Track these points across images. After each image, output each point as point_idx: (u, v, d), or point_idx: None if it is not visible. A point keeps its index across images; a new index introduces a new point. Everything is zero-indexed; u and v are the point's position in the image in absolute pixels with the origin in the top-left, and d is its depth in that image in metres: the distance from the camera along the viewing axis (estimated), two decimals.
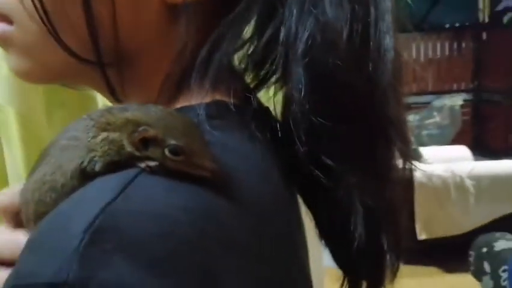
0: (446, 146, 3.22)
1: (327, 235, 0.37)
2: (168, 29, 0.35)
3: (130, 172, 0.28)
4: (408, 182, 0.37)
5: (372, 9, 0.34)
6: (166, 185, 0.27)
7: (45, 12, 0.33)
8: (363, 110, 0.34)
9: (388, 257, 0.36)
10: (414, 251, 0.39)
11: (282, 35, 0.34)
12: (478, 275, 1.46)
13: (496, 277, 1.39)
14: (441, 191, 2.41)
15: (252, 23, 0.36)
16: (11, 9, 0.35)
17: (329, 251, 0.38)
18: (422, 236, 2.30)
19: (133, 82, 0.37)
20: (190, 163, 0.28)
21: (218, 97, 0.34)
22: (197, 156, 0.28)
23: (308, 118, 0.33)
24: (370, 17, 0.34)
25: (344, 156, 0.33)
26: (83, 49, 0.34)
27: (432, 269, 2.34)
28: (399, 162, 0.36)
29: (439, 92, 4.14)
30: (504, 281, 1.36)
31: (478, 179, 2.44)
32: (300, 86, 0.32)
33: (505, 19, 4.93)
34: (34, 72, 0.38)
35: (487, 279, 1.42)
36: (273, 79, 0.37)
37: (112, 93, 0.37)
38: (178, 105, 0.35)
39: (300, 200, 0.38)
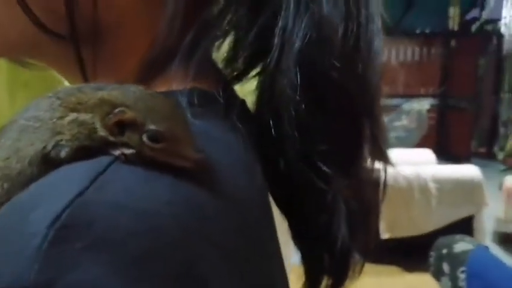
0: (412, 149, 3.30)
1: (303, 235, 0.36)
2: (152, 5, 0.33)
3: (103, 160, 0.24)
4: (383, 183, 0.37)
5: (363, 10, 0.33)
6: (144, 175, 0.24)
7: None
8: (356, 111, 0.33)
9: (354, 256, 0.36)
10: (375, 249, 0.38)
11: (278, 26, 0.32)
12: (437, 275, 1.51)
13: (454, 278, 1.43)
14: (405, 192, 2.46)
15: (242, 10, 0.34)
16: None
17: (298, 250, 0.37)
18: (385, 235, 2.35)
19: (106, 61, 0.34)
20: (172, 152, 0.25)
21: (199, 85, 0.32)
22: (180, 144, 0.25)
23: (301, 116, 0.31)
24: (361, 17, 0.33)
25: (334, 157, 0.32)
26: (52, 21, 0.31)
27: (392, 268, 2.39)
28: (374, 164, 0.36)
29: (408, 96, 4.23)
30: (462, 281, 1.40)
31: (440, 182, 2.51)
32: (296, 83, 0.31)
33: (473, 28, 5.09)
34: None
35: (445, 279, 1.46)
36: (253, 72, 0.35)
37: (83, 74, 0.33)
38: (157, 90, 0.31)
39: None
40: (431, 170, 2.59)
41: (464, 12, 5.07)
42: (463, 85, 4.82)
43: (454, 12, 4.96)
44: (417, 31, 4.85)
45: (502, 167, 4.33)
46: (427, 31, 4.93)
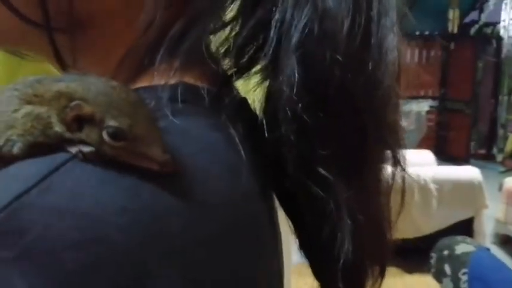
0: (411, 150, 3.31)
1: (308, 247, 0.33)
2: None
3: (57, 157, 0.22)
4: (402, 191, 0.34)
5: (375, 3, 0.30)
6: (101, 177, 0.22)
7: None
8: (361, 113, 0.30)
9: (370, 270, 0.33)
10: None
11: (275, 18, 0.29)
12: (439, 276, 1.50)
13: (455, 280, 1.43)
14: (406, 194, 2.46)
15: (238, 1, 0.32)
16: None
17: (308, 262, 0.34)
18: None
19: (88, 53, 0.32)
20: (134, 151, 0.23)
21: (187, 80, 0.29)
22: (144, 143, 0.23)
23: (300, 118, 0.28)
24: (373, 11, 0.30)
25: (336, 164, 0.29)
26: (30, 9, 0.30)
27: (392, 270, 2.39)
28: (388, 170, 0.33)
29: (407, 98, 4.24)
30: (464, 283, 1.40)
31: (441, 184, 2.51)
32: (293, 81, 0.28)
33: (472, 30, 5.11)
34: None
35: (447, 281, 1.46)
36: (254, 68, 0.32)
37: (60, 64, 0.32)
38: (138, 85, 0.29)
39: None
40: (431, 171, 2.59)
41: (463, 15, 5.08)
42: (462, 87, 4.83)
43: (453, 14, 4.97)
44: (417, 33, 4.86)
45: (501, 169, 4.34)
46: (426, 33, 4.94)
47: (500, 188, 2.97)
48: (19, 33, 0.31)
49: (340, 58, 0.28)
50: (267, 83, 0.31)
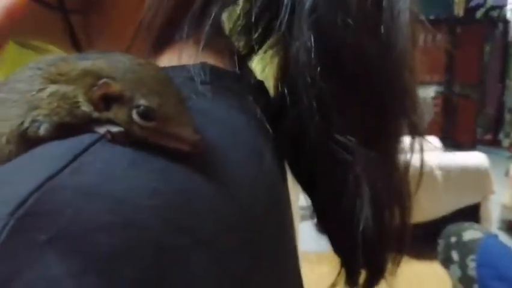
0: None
1: (328, 218, 0.33)
2: None
3: (85, 138, 0.21)
4: (420, 164, 0.34)
5: None
6: (131, 158, 0.21)
7: None
8: (375, 76, 0.29)
9: (391, 245, 0.33)
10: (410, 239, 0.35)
11: None
12: (446, 263, 1.49)
13: (463, 266, 1.41)
14: (411, 179, 2.45)
15: None
16: None
17: (327, 236, 0.33)
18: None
19: (103, 33, 0.31)
20: (164, 131, 0.22)
21: (208, 60, 0.28)
22: (173, 122, 0.22)
23: (319, 84, 0.28)
24: None
25: (354, 130, 0.29)
26: None
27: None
28: (407, 140, 0.32)
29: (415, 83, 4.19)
30: (472, 269, 1.39)
31: (447, 170, 2.49)
32: (309, 47, 0.28)
33: (478, 14, 5.03)
34: None
35: (455, 267, 1.44)
36: (265, 46, 0.32)
37: (76, 47, 0.31)
38: (162, 64, 0.28)
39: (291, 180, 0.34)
40: (437, 157, 2.57)
41: None
42: (468, 72, 4.78)
43: None
44: (422, 18, 4.79)
45: (508, 154, 4.30)
46: (432, 17, 4.87)
47: (507, 173, 2.95)
48: (34, 20, 0.30)
49: (351, 22, 0.28)
50: (277, 59, 0.30)
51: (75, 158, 0.20)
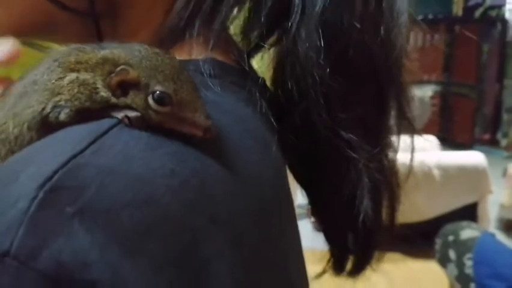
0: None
1: (326, 210, 0.35)
2: None
3: (104, 122, 0.22)
4: (410, 158, 0.36)
5: None
6: (148, 141, 0.22)
7: None
8: (378, 75, 0.31)
9: (378, 234, 0.34)
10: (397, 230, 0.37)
11: None
12: (443, 262, 1.49)
13: (460, 265, 1.42)
14: (408, 178, 2.45)
15: None
16: None
17: (323, 228, 0.35)
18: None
19: (124, 34, 0.32)
20: (178, 116, 0.23)
21: (215, 55, 0.30)
22: (187, 108, 0.23)
23: (327, 82, 0.29)
24: None
25: (357, 126, 0.30)
26: None
27: (395, 255, 2.39)
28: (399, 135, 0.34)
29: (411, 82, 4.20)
30: (468, 268, 1.39)
31: (444, 169, 2.49)
32: (319, 46, 0.29)
33: (477, 13, 5.03)
34: (3, 22, 0.32)
35: (452, 266, 1.45)
36: (266, 44, 0.33)
37: None
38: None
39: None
40: (435, 156, 2.57)
41: None
42: (466, 71, 4.78)
43: None
44: (420, 17, 4.79)
45: (505, 154, 4.31)
46: (430, 17, 4.87)
47: (505, 173, 2.96)
48: (51, 23, 0.31)
49: (357, 23, 0.30)
50: (277, 57, 0.32)
51: (96, 139, 0.21)
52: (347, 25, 0.30)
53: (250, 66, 0.32)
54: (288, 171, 0.34)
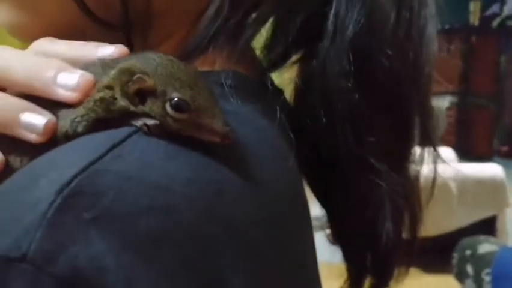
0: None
1: (345, 228, 0.35)
2: None
3: (123, 130, 0.23)
4: (432, 179, 0.37)
5: None
6: (166, 149, 0.22)
7: None
8: (406, 101, 0.32)
9: (398, 255, 0.34)
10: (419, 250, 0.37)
11: (331, 12, 0.31)
12: (461, 277, 1.46)
13: (478, 280, 1.38)
14: (424, 191, 2.41)
15: None
16: None
17: (340, 245, 0.35)
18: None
19: (151, 45, 0.32)
20: (196, 123, 0.23)
21: (235, 67, 0.30)
22: (205, 114, 0.23)
23: (355, 106, 0.30)
24: (414, 3, 0.32)
25: (381, 151, 0.31)
26: (101, 9, 0.30)
27: (411, 270, 2.35)
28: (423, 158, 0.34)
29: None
30: (487, 284, 1.36)
31: (461, 181, 2.44)
32: (348, 70, 0.30)
33: (494, 24, 4.98)
34: (32, 30, 0.32)
35: (469, 281, 1.41)
36: (287, 63, 0.34)
37: None
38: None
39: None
40: (452, 168, 2.53)
41: (484, 7, 4.96)
42: (484, 82, 4.72)
43: (474, 7, 4.86)
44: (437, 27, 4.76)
45: None
46: (446, 27, 4.84)
47: None
48: (81, 33, 0.31)
49: (388, 49, 0.30)
50: (298, 76, 0.32)
51: (114, 146, 0.21)
52: (377, 51, 0.30)
53: (271, 81, 0.33)
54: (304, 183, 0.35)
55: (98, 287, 0.18)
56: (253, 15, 0.30)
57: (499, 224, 2.46)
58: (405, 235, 0.34)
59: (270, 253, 0.25)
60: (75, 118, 0.24)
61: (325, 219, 0.36)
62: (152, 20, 0.32)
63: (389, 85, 0.31)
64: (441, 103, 4.02)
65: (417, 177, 0.35)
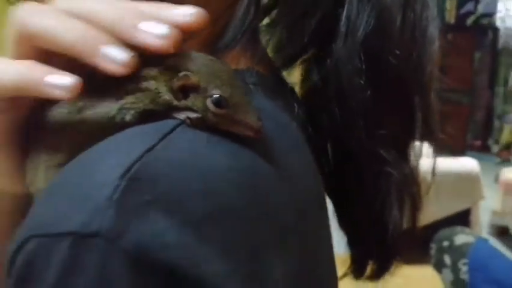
0: None
1: (353, 220, 0.37)
2: None
3: (168, 123, 0.24)
4: (432, 168, 0.40)
5: None
6: (208, 140, 0.24)
7: None
8: (411, 97, 0.34)
9: (403, 241, 0.36)
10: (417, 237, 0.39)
11: (344, 14, 0.33)
12: (439, 267, 1.51)
13: (455, 270, 1.43)
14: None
15: None
16: None
17: (347, 233, 0.37)
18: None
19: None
20: (233, 118, 0.25)
21: (253, 66, 0.32)
22: (241, 111, 0.25)
23: (366, 104, 0.32)
24: (417, 5, 0.34)
25: (392, 142, 0.33)
26: None
27: None
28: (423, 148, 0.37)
29: None
30: (464, 273, 1.41)
31: (438, 175, 2.51)
32: (361, 69, 0.32)
33: (468, 21, 5.09)
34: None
35: (447, 271, 1.46)
36: (298, 62, 0.36)
37: None
38: None
39: None
40: (429, 162, 2.59)
41: (459, 5, 5.06)
42: (459, 78, 4.82)
43: (450, 5, 4.95)
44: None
45: (497, 160, 4.35)
46: None
47: (496, 179, 2.98)
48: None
49: (395, 49, 0.32)
50: (311, 75, 0.34)
51: (164, 136, 0.23)
52: (385, 50, 0.32)
53: (285, 79, 0.35)
54: None
55: (160, 261, 0.20)
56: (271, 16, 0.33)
57: (473, 217, 2.53)
58: (405, 223, 0.37)
59: (296, 237, 0.27)
60: (124, 104, 0.25)
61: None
62: None
63: (396, 82, 0.33)
64: None
65: (417, 168, 0.37)
